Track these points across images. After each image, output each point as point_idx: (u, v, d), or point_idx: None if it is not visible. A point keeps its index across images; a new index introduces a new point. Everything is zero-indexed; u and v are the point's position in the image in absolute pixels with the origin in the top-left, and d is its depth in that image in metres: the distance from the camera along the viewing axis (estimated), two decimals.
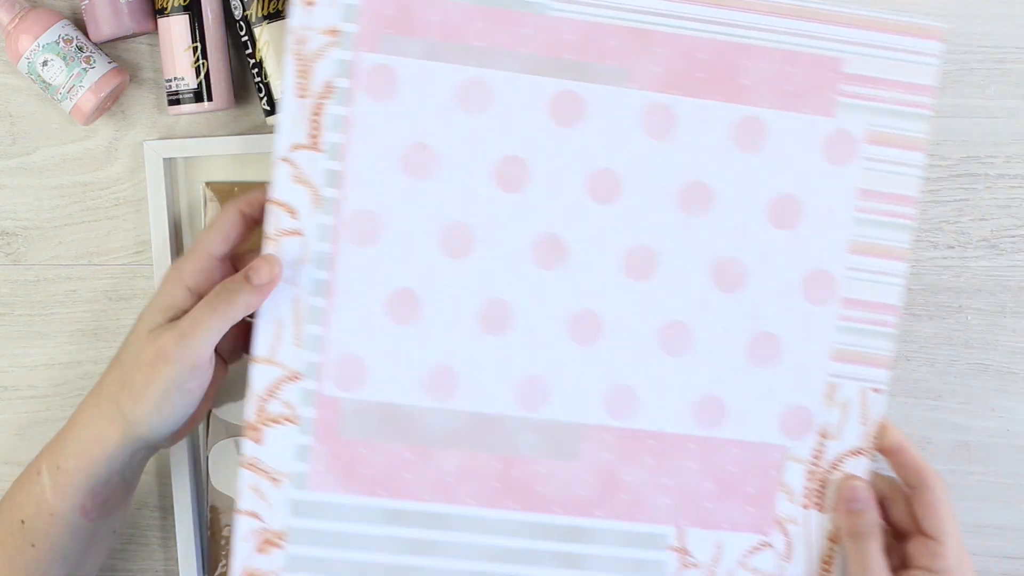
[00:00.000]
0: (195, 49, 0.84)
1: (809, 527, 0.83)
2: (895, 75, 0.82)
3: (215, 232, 0.78)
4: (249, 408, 0.79)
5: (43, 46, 0.82)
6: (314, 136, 0.79)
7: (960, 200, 0.91)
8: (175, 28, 0.84)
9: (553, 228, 0.81)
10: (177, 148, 0.87)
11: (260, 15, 0.86)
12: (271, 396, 0.79)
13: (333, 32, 0.79)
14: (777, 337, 0.82)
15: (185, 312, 0.76)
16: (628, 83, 0.81)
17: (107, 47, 0.87)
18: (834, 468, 0.83)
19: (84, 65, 0.83)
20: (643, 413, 0.82)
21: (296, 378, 0.79)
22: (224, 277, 0.78)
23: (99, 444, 0.77)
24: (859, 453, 0.83)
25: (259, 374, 0.79)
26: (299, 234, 0.79)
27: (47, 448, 0.79)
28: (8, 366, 0.90)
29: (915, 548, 0.80)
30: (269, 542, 0.79)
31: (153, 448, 0.80)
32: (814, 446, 0.83)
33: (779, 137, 0.82)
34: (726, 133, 0.81)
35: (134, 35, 0.86)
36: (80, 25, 0.86)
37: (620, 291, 0.81)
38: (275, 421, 0.79)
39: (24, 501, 0.79)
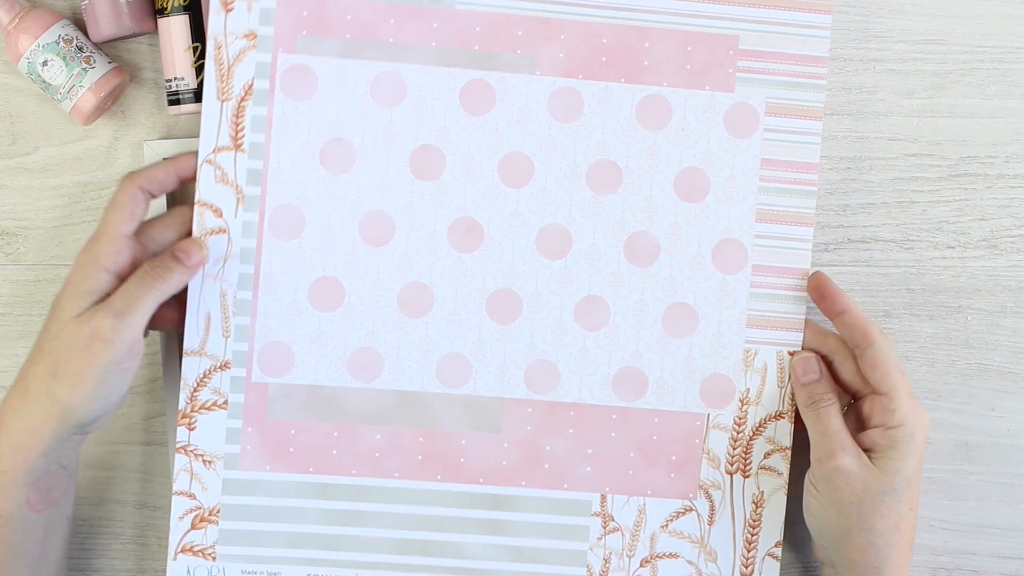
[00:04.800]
0: (195, 49, 0.84)
1: (733, 492, 0.86)
2: (789, 48, 0.85)
3: (121, 212, 0.79)
4: (181, 398, 0.83)
5: (43, 46, 0.82)
6: (236, 137, 0.83)
7: (960, 200, 0.90)
8: (175, 28, 0.84)
9: (469, 212, 0.85)
10: (177, 148, 0.86)
11: None
12: (201, 385, 0.83)
13: (251, 36, 0.83)
14: (693, 307, 0.85)
15: (107, 295, 0.78)
16: (535, 70, 0.84)
17: (107, 47, 0.87)
18: (756, 434, 0.86)
19: (84, 65, 0.82)
20: (563, 387, 0.85)
21: (225, 367, 0.83)
22: (134, 254, 0.80)
23: (33, 438, 0.77)
24: (780, 417, 0.86)
25: (190, 366, 0.83)
26: (224, 231, 0.83)
27: None
28: (8, 366, 0.88)
29: (869, 407, 0.82)
30: (203, 519, 0.84)
31: (87, 432, 0.79)
32: (736, 413, 0.86)
33: (682, 114, 0.85)
34: (631, 112, 0.85)
35: (134, 35, 0.86)
36: (80, 25, 0.85)
37: (536, 270, 0.85)
38: (206, 408, 0.83)
39: None
